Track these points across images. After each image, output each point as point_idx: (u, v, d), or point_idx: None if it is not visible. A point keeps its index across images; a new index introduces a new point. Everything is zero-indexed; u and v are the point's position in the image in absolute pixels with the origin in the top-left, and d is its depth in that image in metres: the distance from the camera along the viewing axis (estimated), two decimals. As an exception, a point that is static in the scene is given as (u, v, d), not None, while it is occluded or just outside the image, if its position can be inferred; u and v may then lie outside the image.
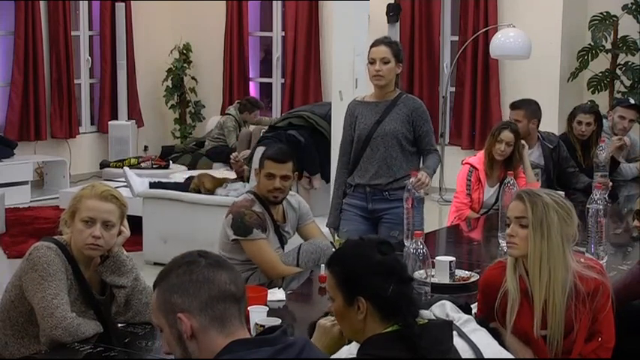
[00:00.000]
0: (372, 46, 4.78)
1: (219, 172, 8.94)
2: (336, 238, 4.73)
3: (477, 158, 5.57)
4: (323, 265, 3.97)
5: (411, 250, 3.39)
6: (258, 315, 3.06)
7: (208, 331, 2.01)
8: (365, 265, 2.36)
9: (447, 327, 2.44)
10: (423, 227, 4.26)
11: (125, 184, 8.48)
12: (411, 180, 4.32)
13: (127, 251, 3.35)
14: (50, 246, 3.16)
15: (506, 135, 5.40)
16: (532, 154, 5.88)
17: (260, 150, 6.65)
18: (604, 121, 6.45)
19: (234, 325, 2.03)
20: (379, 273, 2.35)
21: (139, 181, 7.30)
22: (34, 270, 3.10)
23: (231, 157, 7.73)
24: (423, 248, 3.43)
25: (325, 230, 4.77)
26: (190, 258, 2.07)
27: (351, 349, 2.73)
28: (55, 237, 3.24)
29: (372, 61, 4.73)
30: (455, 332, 2.69)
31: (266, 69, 11.63)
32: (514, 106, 5.97)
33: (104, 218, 3.17)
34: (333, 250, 4.13)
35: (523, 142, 5.64)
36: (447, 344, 2.39)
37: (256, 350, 2.00)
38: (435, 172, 4.83)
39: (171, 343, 2.05)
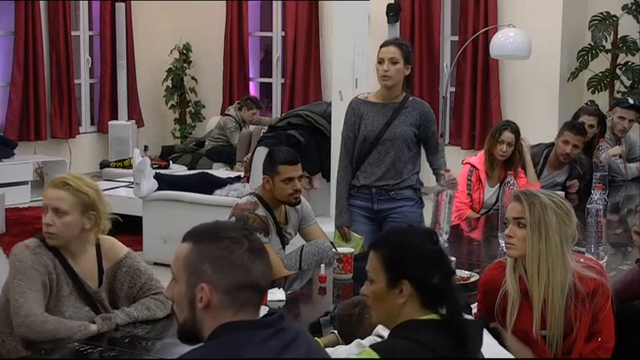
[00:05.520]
0: (381, 46, 4.68)
1: (220, 171, 8.97)
2: (353, 235, 4.69)
3: (478, 158, 5.57)
4: (323, 265, 3.98)
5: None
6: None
7: (223, 311, 2.02)
8: (416, 251, 2.35)
9: (479, 328, 2.43)
10: (450, 223, 4.48)
11: (126, 184, 8.50)
12: (443, 174, 4.49)
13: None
14: (29, 244, 3.20)
15: (507, 135, 5.39)
16: (558, 175, 5.91)
17: (261, 150, 6.65)
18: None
19: (249, 312, 2.04)
20: (428, 261, 2.34)
21: (150, 181, 7.05)
22: (11, 268, 3.16)
23: (244, 161, 7.83)
24: (443, 243, 3.44)
25: (327, 231, 4.75)
26: (236, 235, 2.06)
27: (351, 348, 2.74)
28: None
29: (380, 61, 4.62)
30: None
31: (266, 69, 11.63)
32: (578, 131, 5.86)
33: (52, 205, 3.19)
34: (334, 250, 4.14)
35: (523, 139, 5.64)
36: (480, 345, 2.39)
37: (251, 332, 2.01)
38: None
39: (181, 301, 2.06)
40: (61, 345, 3.07)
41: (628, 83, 9.03)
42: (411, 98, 4.75)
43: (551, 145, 5.97)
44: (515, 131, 5.44)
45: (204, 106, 11.52)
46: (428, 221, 4.92)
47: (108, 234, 3.39)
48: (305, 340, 2.11)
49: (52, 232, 3.18)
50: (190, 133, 11.46)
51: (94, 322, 3.18)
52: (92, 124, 11.08)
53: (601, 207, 4.07)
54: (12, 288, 3.12)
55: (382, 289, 2.35)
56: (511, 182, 4.50)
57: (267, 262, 2.08)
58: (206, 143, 10.51)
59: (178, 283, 2.06)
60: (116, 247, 3.38)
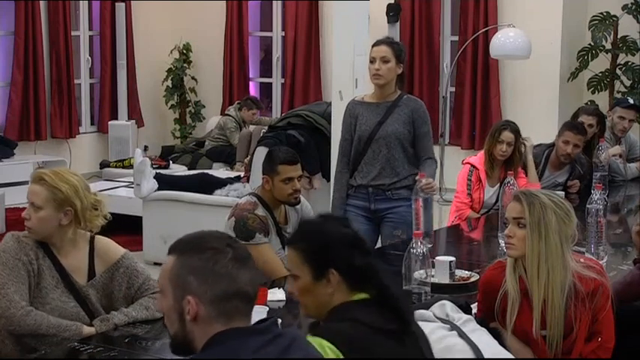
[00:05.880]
0: (373, 46, 4.76)
1: (220, 171, 8.97)
2: None
3: (478, 158, 5.57)
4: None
5: (421, 249, 3.40)
6: (258, 315, 3.05)
7: (213, 322, 2.01)
8: (334, 238, 2.38)
9: (408, 298, 2.46)
10: (432, 228, 4.27)
11: (126, 184, 8.50)
12: (418, 179, 4.34)
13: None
14: (17, 233, 3.23)
15: (507, 135, 5.40)
16: (559, 175, 5.90)
17: (261, 150, 6.65)
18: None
19: (239, 321, 2.04)
20: (348, 245, 2.38)
21: (150, 182, 7.09)
22: None
23: (244, 162, 7.81)
24: (423, 248, 3.44)
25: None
26: (219, 245, 2.05)
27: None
28: None
29: (372, 60, 4.71)
30: (455, 332, 2.70)
31: (266, 69, 11.63)
32: (578, 130, 5.85)
33: (29, 199, 3.22)
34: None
35: (526, 139, 5.65)
36: (412, 314, 2.44)
37: (246, 339, 2.01)
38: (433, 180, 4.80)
39: (170, 314, 2.06)
40: (60, 344, 3.07)
41: (628, 83, 9.03)
42: (405, 96, 4.78)
43: (552, 145, 5.97)
44: (515, 131, 5.44)
45: (204, 106, 11.52)
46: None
47: (108, 233, 3.39)
48: (301, 345, 2.11)
49: (28, 225, 3.21)
50: (190, 133, 11.46)
51: (85, 320, 3.19)
52: (92, 124, 11.08)
53: (601, 207, 4.07)
54: None
55: (308, 282, 2.37)
56: (511, 182, 4.50)
57: (253, 270, 2.07)
58: (206, 143, 10.51)
59: (166, 296, 2.05)
60: (111, 248, 3.36)
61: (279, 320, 3.00)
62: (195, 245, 2.05)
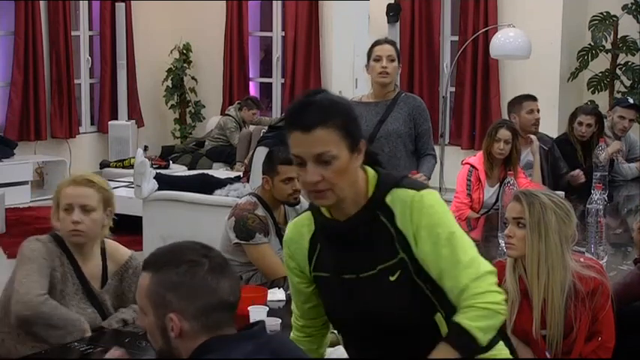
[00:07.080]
0: (376, 45, 4.81)
1: (220, 171, 8.97)
2: None
3: (477, 158, 5.57)
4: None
5: None
6: (258, 315, 3.06)
7: (197, 336, 1.98)
8: (352, 108, 2.25)
9: None
10: None
11: (126, 184, 8.51)
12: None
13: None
14: (40, 238, 3.24)
15: (504, 133, 5.40)
16: (528, 155, 5.89)
17: (261, 150, 6.65)
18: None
19: (224, 331, 2.01)
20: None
21: (150, 182, 7.08)
22: (21, 257, 3.18)
23: (244, 163, 7.82)
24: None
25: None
26: (194, 257, 1.99)
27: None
28: (56, 231, 3.29)
29: (377, 59, 4.75)
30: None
31: (266, 69, 11.63)
32: (532, 97, 5.94)
33: (80, 202, 3.19)
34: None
35: (532, 137, 5.68)
36: None
37: (237, 344, 1.98)
38: (430, 177, 4.85)
39: (153, 332, 2.02)
40: (61, 344, 3.07)
41: (628, 83, 9.03)
42: (403, 94, 4.83)
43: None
44: (512, 129, 5.45)
45: (204, 106, 11.52)
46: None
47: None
48: (293, 348, 2.12)
49: (81, 229, 3.19)
50: (190, 133, 11.46)
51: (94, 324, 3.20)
52: (92, 124, 11.08)
53: (601, 207, 4.07)
54: (18, 272, 3.13)
55: (347, 159, 2.16)
56: (511, 182, 4.50)
57: (232, 278, 2.02)
58: (206, 143, 10.51)
59: (147, 315, 2.01)
60: (120, 250, 3.40)
61: (279, 320, 3.03)
62: (170, 259, 1.99)
